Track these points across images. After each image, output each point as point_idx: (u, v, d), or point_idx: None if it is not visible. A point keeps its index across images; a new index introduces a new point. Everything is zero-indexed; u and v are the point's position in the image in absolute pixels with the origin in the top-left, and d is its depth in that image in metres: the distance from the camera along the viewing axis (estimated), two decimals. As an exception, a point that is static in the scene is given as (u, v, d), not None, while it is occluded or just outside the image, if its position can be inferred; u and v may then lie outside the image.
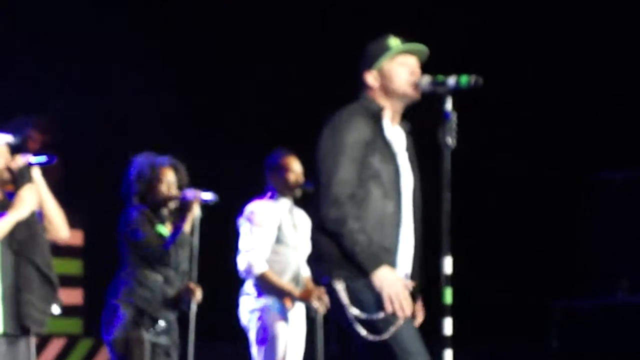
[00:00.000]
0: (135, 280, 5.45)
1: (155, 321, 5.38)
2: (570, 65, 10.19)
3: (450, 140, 3.18)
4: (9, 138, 4.53)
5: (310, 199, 4.37)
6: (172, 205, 5.68)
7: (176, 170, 5.71)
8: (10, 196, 4.35)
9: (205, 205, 5.70)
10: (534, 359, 10.37)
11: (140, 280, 5.43)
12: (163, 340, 5.40)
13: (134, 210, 5.47)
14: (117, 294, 5.45)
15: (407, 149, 3.55)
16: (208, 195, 5.64)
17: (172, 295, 5.49)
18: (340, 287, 3.27)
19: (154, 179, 5.54)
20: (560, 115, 10.18)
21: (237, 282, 6.33)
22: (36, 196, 4.30)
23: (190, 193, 5.60)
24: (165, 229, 5.54)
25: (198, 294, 5.57)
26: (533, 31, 10.28)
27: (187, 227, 5.48)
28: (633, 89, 9.87)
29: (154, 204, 5.58)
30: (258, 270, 5.71)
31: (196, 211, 5.57)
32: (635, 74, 9.88)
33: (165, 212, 5.64)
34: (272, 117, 10.35)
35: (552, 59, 10.23)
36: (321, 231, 3.31)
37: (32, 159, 4.40)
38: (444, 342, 3.20)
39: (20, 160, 4.37)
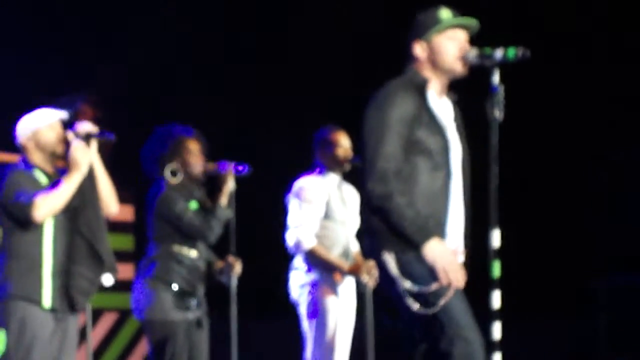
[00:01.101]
0: (172, 258, 5.36)
1: (192, 298, 5.37)
2: (622, 39, 10.19)
3: (498, 113, 3.15)
4: (61, 114, 4.58)
5: (359, 174, 4.33)
6: (203, 178, 5.57)
7: (199, 142, 5.59)
8: (62, 172, 4.40)
9: (239, 177, 5.63)
10: (582, 333, 10.33)
11: (178, 258, 5.34)
12: (197, 313, 5.43)
13: (166, 185, 5.36)
14: (150, 272, 5.33)
15: (455, 121, 3.52)
16: (241, 167, 5.57)
17: (204, 269, 5.47)
18: (390, 260, 3.26)
19: (182, 151, 5.44)
20: (607, 88, 10.09)
21: (274, 256, 6.47)
22: (88, 156, 4.33)
23: (225, 165, 5.52)
24: (195, 204, 5.45)
25: (238, 268, 5.54)
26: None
27: (224, 200, 5.39)
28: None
29: (189, 176, 5.44)
30: (307, 245, 5.71)
31: (231, 184, 5.50)
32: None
33: (194, 185, 5.53)
34: (320, 91, 10.37)
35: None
36: (369, 206, 3.30)
37: (93, 129, 4.42)
38: (492, 315, 3.19)
39: (82, 128, 4.41)
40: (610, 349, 9.64)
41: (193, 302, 5.27)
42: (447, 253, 3.24)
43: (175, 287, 5.20)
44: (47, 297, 4.32)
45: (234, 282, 5.66)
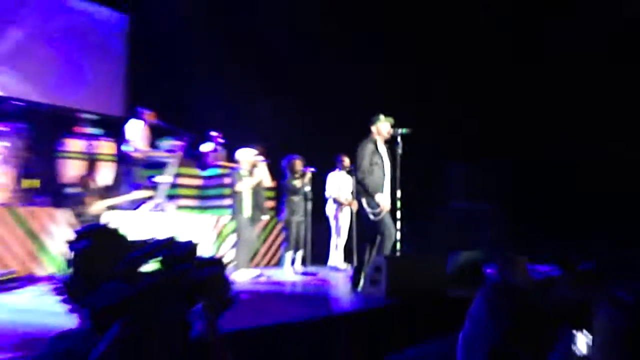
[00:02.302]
0: (289, 200, 11.44)
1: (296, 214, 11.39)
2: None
3: (400, 152, 8.85)
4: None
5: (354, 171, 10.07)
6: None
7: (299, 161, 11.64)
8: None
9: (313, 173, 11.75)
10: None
11: (291, 199, 11.43)
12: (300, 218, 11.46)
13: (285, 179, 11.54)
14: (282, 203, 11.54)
15: (387, 153, 9.14)
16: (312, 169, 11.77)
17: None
18: (363, 200, 8.90)
19: (293, 166, 11.46)
20: None
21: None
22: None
23: (307, 169, 11.66)
24: (298, 182, 11.55)
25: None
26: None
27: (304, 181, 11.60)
28: None
29: (296, 174, 11.56)
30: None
31: (308, 175, 11.68)
32: None
33: (297, 177, 11.57)
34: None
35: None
36: (357, 181, 9.01)
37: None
38: (396, 220, 8.94)
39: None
40: None
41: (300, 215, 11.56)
42: (383, 197, 8.84)
43: (290, 208, 11.65)
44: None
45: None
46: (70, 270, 2.28)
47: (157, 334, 1.88)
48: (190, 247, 2.06)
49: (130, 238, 2.37)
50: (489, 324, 1.91)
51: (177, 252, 2.02)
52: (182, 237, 2.06)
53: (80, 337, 2.08)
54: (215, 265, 2.04)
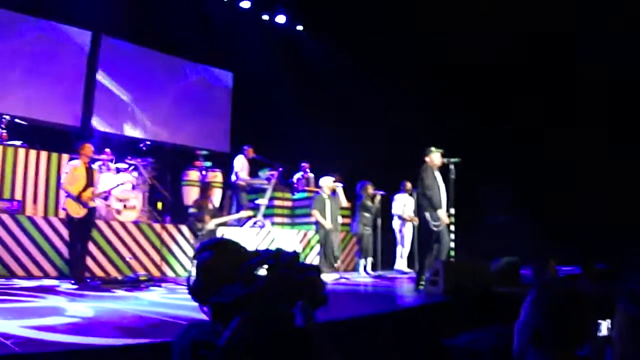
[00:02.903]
0: (362, 217, 11.48)
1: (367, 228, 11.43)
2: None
3: (453, 177, 8.94)
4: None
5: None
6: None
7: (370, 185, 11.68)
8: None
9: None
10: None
11: (363, 216, 11.48)
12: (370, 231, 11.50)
13: (358, 200, 11.59)
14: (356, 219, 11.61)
15: (441, 178, 9.17)
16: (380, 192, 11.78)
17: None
18: (427, 214, 8.83)
19: (365, 189, 11.53)
20: None
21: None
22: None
23: (377, 192, 11.67)
24: (370, 202, 11.60)
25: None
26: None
27: (374, 202, 11.64)
28: None
29: (368, 196, 11.59)
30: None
31: (378, 197, 11.71)
32: None
33: (369, 198, 11.62)
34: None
35: None
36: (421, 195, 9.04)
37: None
38: (450, 233, 8.95)
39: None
40: None
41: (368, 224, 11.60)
42: (442, 212, 8.87)
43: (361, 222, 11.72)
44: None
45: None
46: (196, 275, 2.34)
47: (268, 325, 1.99)
48: (293, 255, 2.11)
49: (244, 249, 2.43)
50: (532, 311, 1.95)
51: (282, 260, 2.07)
52: (286, 248, 2.16)
53: (204, 328, 2.17)
54: (313, 270, 2.10)
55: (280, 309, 2.04)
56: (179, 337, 2.21)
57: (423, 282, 8.30)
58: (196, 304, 2.33)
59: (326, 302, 2.12)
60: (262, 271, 2.12)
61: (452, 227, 9.01)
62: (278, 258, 2.08)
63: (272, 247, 2.16)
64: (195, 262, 2.38)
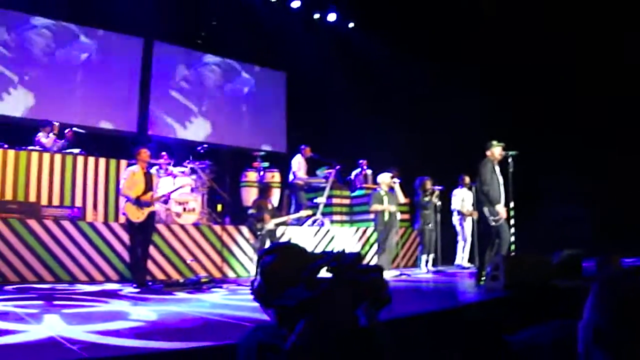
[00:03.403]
0: (422, 213, 11.48)
1: (428, 224, 11.44)
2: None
3: (511, 170, 8.94)
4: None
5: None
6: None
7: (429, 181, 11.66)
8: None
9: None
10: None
11: (423, 212, 11.49)
12: (431, 227, 11.51)
13: (417, 196, 11.61)
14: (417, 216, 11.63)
15: (500, 172, 9.15)
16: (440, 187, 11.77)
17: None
18: (485, 209, 8.86)
19: (424, 185, 11.53)
20: None
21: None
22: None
23: (435, 187, 11.66)
24: (428, 198, 11.61)
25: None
26: None
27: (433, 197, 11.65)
28: None
29: (427, 191, 11.59)
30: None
31: (437, 192, 11.73)
32: None
33: (428, 194, 11.59)
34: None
35: None
36: (480, 191, 9.02)
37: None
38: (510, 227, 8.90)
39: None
40: None
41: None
42: (501, 207, 8.85)
43: (423, 218, 11.63)
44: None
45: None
46: (260, 278, 2.34)
47: (333, 328, 1.97)
48: (357, 257, 2.09)
49: (308, 251, 2.42)
50: (595, 309, 1.79)
51: (346, 261, 2.06)
52: (345, 246, 2.19)
53: (270, 331, 2.18)
54: (376, 271, 2.08)
55: (344, 311, 2.02)
56: (244, 340, 2.21)
57: (484, 278, 8.29)
58: (259, 306, 2.33)
59: (390, 302, 2.10)
60: (325, 273, 2.11)
61: (512, 221, 8.98)
62: (341, 260, 2.07)
63: (334, 248, 2.20)
64: (259, 265, 2.38)
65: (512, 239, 8.94)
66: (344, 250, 2.15)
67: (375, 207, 10.63)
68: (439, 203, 11.96)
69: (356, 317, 2.06)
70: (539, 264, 7.90)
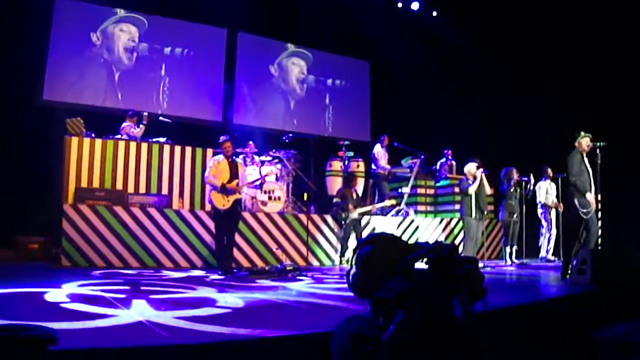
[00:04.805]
0: (507, 204, 11.40)
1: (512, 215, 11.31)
2: None
3: (599, 161, 8.78)
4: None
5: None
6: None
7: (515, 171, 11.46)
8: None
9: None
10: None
11: (508, 203, 11.37)
12: (516, 219, 11.36)
13: (503, 187, 11.46)
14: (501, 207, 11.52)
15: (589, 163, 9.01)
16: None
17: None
18: (576, 201, 8.71)
19: (509, 175, 11.38)
20: None
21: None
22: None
23: (522, 178, 11.49)
24: (514, 189, 11.43)
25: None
26: None
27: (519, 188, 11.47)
28: None
29: (512, 182, 11.42)
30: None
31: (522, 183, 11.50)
32: None
33: (513, 185, 11.40)
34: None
35: None
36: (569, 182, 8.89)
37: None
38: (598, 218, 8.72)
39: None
40: None
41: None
42: (591, 197, 8.71)
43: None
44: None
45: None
46: (356, 268, 2.41)
47: (431, 319, 2.02)
48: (452, 248, 2.18)
49: (403, 242, 2.49)
50: None
51: (442, 253, 2.15)
52: (431, 237, 2.22)
53: (365, 321, 2.23)
54: (471, 263, 2.17)
55: (441, 302, 2.08)
56: (338, 329, 2.29)
57: (570, 271, 8.22)
58: (347, 294, 2.49)
59: (485, 294, 2.16)
60: (422, 264, 2.20)
61: (600, 214, 8.84)
62: (437, 251, 2.16)
63: (422, 240, 2.28)
64: (355, 256, 2.46)
65: (600, 232, 8.78)
66: (440, 242, 2.26)
67: (472, 187, 10.49)
68: (524, 194, 11.76)
69: (452, 308, 2.10)
70: (628, 258, 7.76)
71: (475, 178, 10.56)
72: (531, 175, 11.82)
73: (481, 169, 10.74)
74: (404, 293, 2.08)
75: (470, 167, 10.65)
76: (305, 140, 13.43)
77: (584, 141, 8.85)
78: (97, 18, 13.46)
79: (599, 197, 8.87)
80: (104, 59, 13.47)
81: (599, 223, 8.80)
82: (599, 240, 8.77)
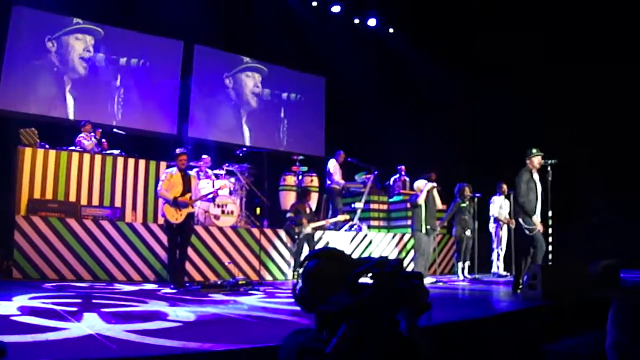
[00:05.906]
0: (460, 220, 11.53)
1: (465, 231, 11.41)
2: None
3: (550, 178, 8.88)
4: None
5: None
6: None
7: (468, 187, 11.63)
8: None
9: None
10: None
11: (461, 219, 11.51)
12: (469, 234, 11.49)
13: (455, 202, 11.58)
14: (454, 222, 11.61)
15: (539, 180, 9.14)
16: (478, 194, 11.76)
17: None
18: (520, 220, 8.97)
19: (463, 191, 11.50)
20: None
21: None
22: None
23: (474, 194, 11.62)
24: (467, 204, 11.58)
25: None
26: None
27: (471, 204, 11.61)
28: None
29: (465, 198, 11.55)
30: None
31: (474, 199, 11.65)
32: None
33: (466, 201, 11.57)
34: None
35: None
36: (516, 203, 9.06)
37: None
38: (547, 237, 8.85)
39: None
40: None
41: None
42: (537, 219, 8.88)
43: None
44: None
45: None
46: (302, 283, 2.37)
47: (374, 332, 2.01)
48: (397, 263, 2.13)
49: (349, 257, 2.45)
50: (615, 319, 1.88)
51: (387, 268, 2.11)
52: (383, 252, 2.20)
53: (310, 334, 2.20)
54: (416, 278, 2.13)
55: (385, 316, 2.08)
56: (284, 342, 2.26)
57: (521, 286, 8.30)
58: (298, 308, 2.38)
59: (429, 308, 2.14)
60: (367, 279, 2.17)
61: (550, 230, 8.98)
62: (382, 266, 2.12)
63: (371, 253, 2.24)
64: (301, 270, 2.42)
65: (550, 248, 8.91)
66: (385, 257, 2.21)
67: (421, 198, 10.54)
68: (475, 210, 11.92)
69: (396, 322, 2.13)
70: (577, 274, 7.92)
71: (428, 193, 10.63)
72: (481, 192, 12.00)
73: (432, 183, 10.82)
74: (348, 307, 2.08)
75: (419, 184, 10.73)
76: (259, 154, 13.40)
77: (536, 159, 8.99)
78: (54, 27, 13.28)
79: (550, 214, 9.01)
80: (57, 67, 13.25)
81: (550, 239, 8.94)
82: (549, 256, 8.89)
